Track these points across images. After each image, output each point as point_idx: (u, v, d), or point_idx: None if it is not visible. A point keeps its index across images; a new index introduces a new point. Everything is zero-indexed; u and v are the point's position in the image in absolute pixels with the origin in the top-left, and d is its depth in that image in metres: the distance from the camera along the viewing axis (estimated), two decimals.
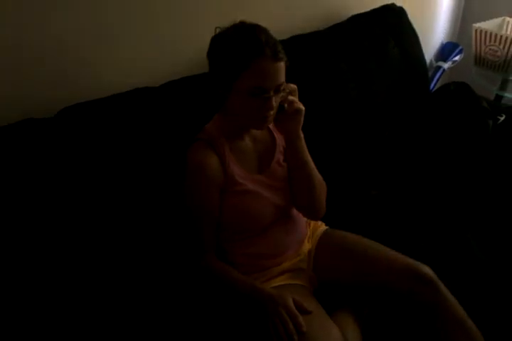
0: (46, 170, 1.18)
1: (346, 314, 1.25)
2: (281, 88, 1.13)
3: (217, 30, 1.15)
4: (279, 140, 1.32)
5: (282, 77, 1.12)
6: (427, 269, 1.21)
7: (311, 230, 1.39)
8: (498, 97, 2.58)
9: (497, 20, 2.54)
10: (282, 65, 1.11)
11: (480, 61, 2.54)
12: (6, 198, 1.12)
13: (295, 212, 1.34)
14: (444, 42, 2.91)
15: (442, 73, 2.76)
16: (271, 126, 1.31)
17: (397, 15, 2.14)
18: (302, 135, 1.23)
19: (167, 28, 1.50)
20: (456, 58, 2.80)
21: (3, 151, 1.15)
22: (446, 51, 2.84)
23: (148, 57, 1.49)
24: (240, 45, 1.09)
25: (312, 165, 1.27)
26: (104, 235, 1.23)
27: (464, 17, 2.91)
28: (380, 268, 1.24)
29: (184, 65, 1.47)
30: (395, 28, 2.10)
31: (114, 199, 1.25)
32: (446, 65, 2.76)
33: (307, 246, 1.35)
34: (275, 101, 1.12)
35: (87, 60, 1.37)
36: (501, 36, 2.33)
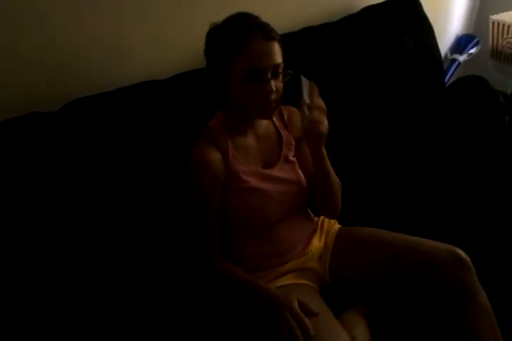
0: (49, 164, 1.16)
1: (355, 312, 1.23)
2: (279, 70, 1.13)
3: (212, 26, 1.17)
4: (286, 137, 1.31)
5: (278, 58, 1.12)
6: (461, 251, 1.18)
7: (326, 229, 1.36)
8: None
9: None
10: (276, 44, 1.12)
11: (497, 54, 2.49)
12: (8, 193, 1.11)
13: (302, 209, 1.32)
14: (459, 35, 2.85)
15: (458, 66, 2.70)
16: (277, 123, 1.31)
17: (411, 6, 2.11)
18: (325, 152, 1.20)
19: (173, 20, 1.49)
20: (472, 51, 2.74)
21: (6, 145, 1.14)
22: (461, 43, 2.78)
23: (155, 49, 1.47)
24: (229, 30, 1.11)
25: (332, 172, 1.24)
26: (107, 231, 1.22)
27: (480, 8, 2.85)
28: (410, 251, 1.20)
29: (191, 58, 1.45)
30: (409, 19, 2.07)
31: (118, 195, 1.24)
32: (461, 58, 2.70)
33: (316, 244, 1.32)
34: (274, 86, 1.11)
35: (93, 53, 1.36)
36: None
